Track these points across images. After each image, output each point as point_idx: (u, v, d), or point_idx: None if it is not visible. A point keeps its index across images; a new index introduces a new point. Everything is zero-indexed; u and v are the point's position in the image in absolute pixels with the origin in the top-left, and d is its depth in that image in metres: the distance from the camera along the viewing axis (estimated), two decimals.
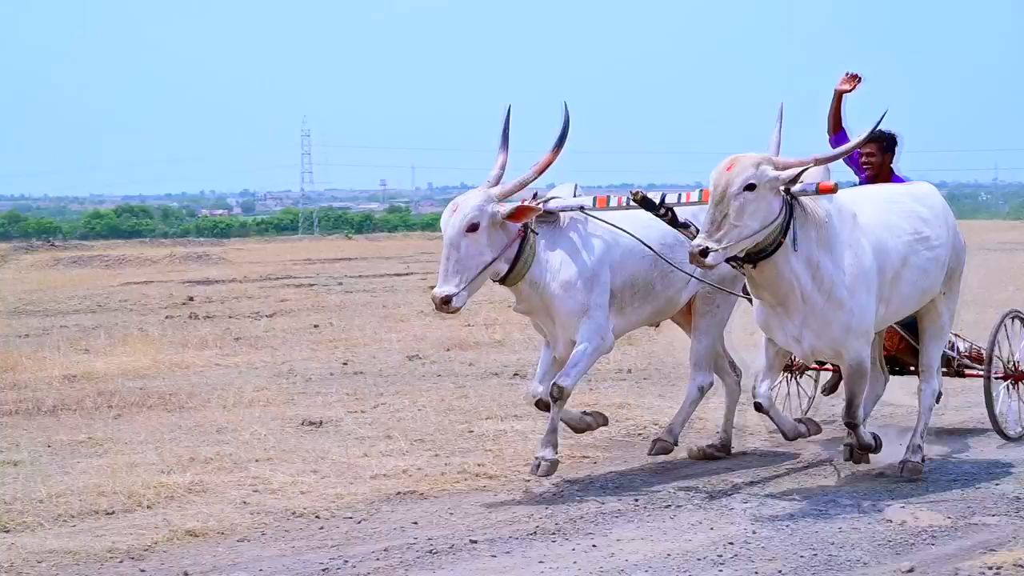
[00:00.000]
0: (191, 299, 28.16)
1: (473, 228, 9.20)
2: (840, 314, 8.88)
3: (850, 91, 10.64)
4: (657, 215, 9.27)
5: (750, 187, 8.44)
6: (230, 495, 9.53)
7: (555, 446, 9.62)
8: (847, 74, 10.62)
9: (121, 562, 7.97)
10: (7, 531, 8.66)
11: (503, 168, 9.62)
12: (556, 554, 7.90)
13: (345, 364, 16.92)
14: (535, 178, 9.56)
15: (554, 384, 9.49)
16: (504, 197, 9.45)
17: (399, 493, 9.57)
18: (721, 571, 7.50)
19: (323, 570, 7.68)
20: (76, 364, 16.86)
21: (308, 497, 9.40)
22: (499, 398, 13.70)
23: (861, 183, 10.60)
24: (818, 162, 8.81)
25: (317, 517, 8.87)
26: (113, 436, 11.93)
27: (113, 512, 9.11)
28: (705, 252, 8.30)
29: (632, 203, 9.36)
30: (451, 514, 8.96)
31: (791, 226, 8.66)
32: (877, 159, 10.75)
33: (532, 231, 9.47)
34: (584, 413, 10.29)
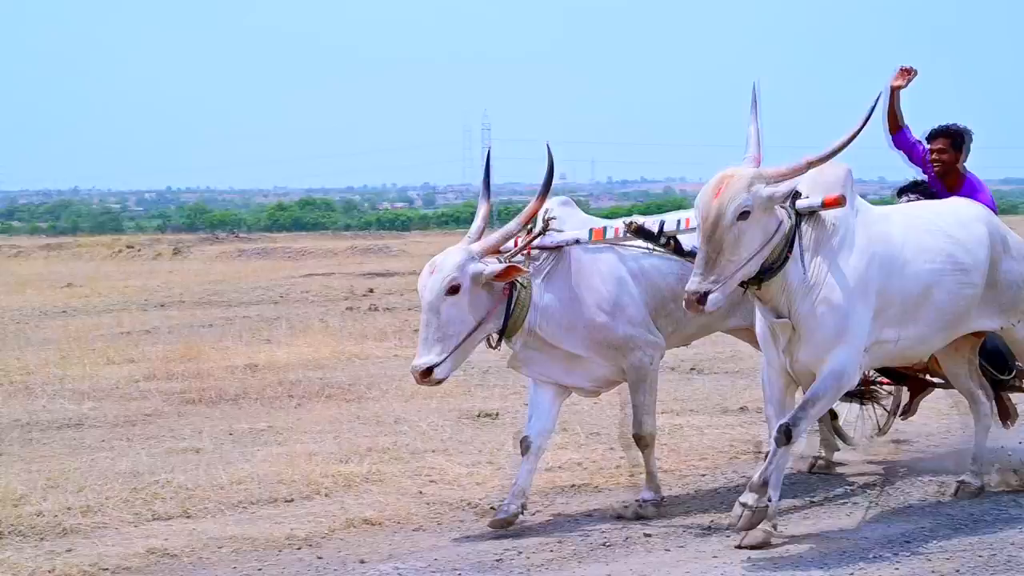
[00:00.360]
0: (371, 291, 28.44)
1: (454, 290, 8.16)
2: (831, 320, 7.82)
3: (904, 86, 10.01)
4: (658, 245, 8.42)
5: (744, 215, 7.44)
6: (407, 485, 9.62)
7: (657, 488, 8.85)
8: (899, 69, 10.14)
9: (299, 549, 8.09)
10: (189, 517, 8.84)
11: (485, 220, 8.63)
12: (730, 549, 7.86)
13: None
14: (519, 229, 8.50)
15: (635, 435, 8.79)
16: (487, 252, 8.37)
17: (574, 485, 9.58)
18: (898, 569, 7.40)
19: (497, 560, 7.72)
20: (258, 354, 17.13)
21: (484, 488, 9.45)
22: (675, 392, 13.64)
23: (928, 181, 10.05)
24: (811, 164, 7.74)
25: (492, 508, 8.91)
26: (293, 425, 12.11)
27: (292, 500, 9.25)
28: (704, 297, 7.36)
29: (628, 234, 8.49)
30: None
31: (796, 236, 7.77)
32: (948, 156, 9.98)
33: (522, 285, 8.41)
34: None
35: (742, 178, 7.54)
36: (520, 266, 8.32)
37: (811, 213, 7.88)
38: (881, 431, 10.88)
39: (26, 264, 42.37)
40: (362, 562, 7.75)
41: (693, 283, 7.41)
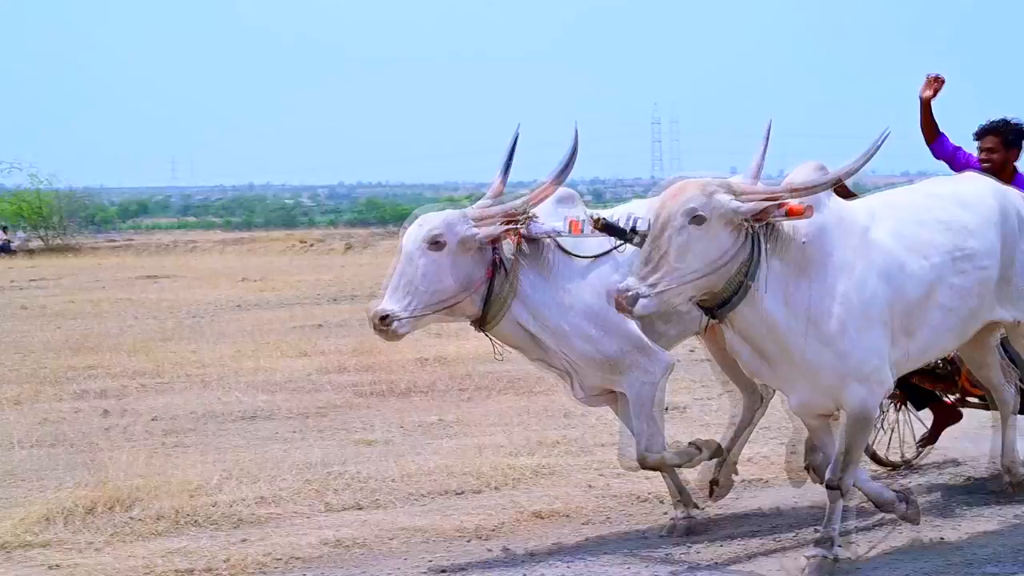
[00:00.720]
0: None
1: (436, 245, 7.60)
2: (830, 355, 7.00)
3: (933, 96, 9.38)
4: (630, 243, 7.43)
5: (697, 219, 6.64)
6: (575, 478, 9.64)
7: (689, 503, 8.34)
8: (927, 79, 9.40)
9: (469, 541, 8.15)
10: (360, 508, 8.94)
11: (496, 198, 7.97)
12: (903, 546, 7.78)
13: (692, 351, 16.83)
14: (525, 208, 7.78)
15: (640, 460, 7.94)
16: (481, 220, 7.73)
17: (744, 480, 9.51)
18: None
19: (666, 555, 7.71)
20: (429, 348, 17.22)
21: (653, 482, 9.41)
22: None
23: None
24: (794, 191, 6.88)
25: (661, 502, 8.89)
26: (463, 419, 12.19)
27: (462, 492, 9.32)
28: (636, 299, 6.56)
29: (594, 231, 7.56)
30: (796, 502, 8.87)
31: (759, 263, 6.83)
32: (999, 155, 9.22)
33: (503, 267, 7.76)
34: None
35: (704, 184, 6.82)
36: (511, 231, 7.71)
37: (777, 238, 6.96)
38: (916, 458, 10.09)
39: (206, 258, 43.12)
40: (531, 555, 7.79)
41: (629, 282, 6.63)
